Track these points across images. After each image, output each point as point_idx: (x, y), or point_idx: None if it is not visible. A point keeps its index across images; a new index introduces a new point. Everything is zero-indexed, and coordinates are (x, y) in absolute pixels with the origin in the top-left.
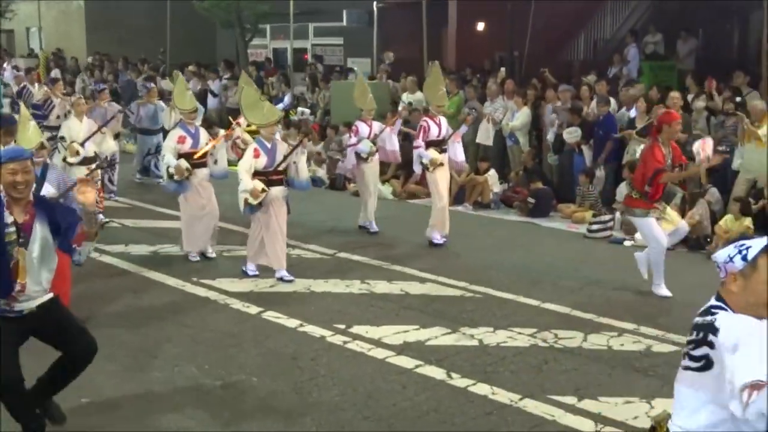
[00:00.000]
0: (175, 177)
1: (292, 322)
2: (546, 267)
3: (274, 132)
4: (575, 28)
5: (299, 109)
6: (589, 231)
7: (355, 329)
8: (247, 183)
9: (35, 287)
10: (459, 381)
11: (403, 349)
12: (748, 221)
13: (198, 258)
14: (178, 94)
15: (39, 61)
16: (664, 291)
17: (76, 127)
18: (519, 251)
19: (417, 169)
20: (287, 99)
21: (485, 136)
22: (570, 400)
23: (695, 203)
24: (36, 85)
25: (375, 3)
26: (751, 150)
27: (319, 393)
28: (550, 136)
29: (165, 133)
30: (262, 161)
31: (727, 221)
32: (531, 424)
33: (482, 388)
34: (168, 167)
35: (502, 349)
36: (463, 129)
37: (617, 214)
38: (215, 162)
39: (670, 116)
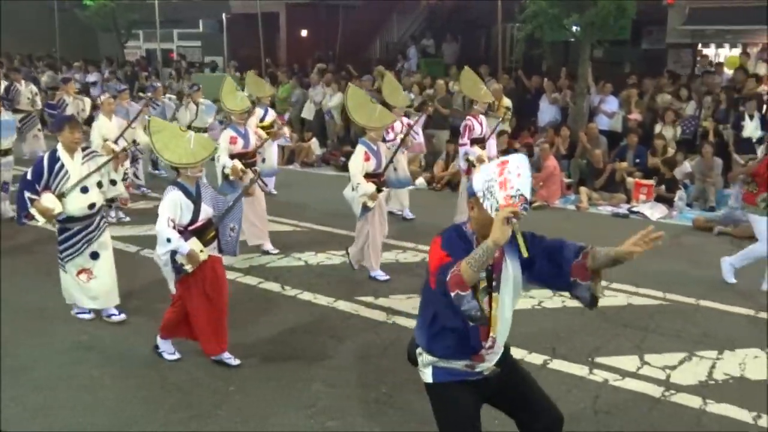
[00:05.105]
0: (231, 177)
1: None
2: None
3: (381, 135)
4: (372, 34)
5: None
6: None
7: None
8: (367, 187)
9: (502, 340)
10: (290, 291)
11: (249, 270)
12: None
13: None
14: (226, 95)
15: None
16: (730, 276)
17: (107, 126)
18: (334, 196)
19: (463, 165)
20: (152, 87)
21: (309, 112)
22: (369, 299)
23: (456, 157)
24: (23, 83)
25: (224, 14)
26: (491, 121)
27: None
28: None
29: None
30: (371, 164)
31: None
32: (342, 317)
33: (306, 296)
34: (224, 168)
35: (322, 267)
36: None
37: None
38: (263, 161)
39: None
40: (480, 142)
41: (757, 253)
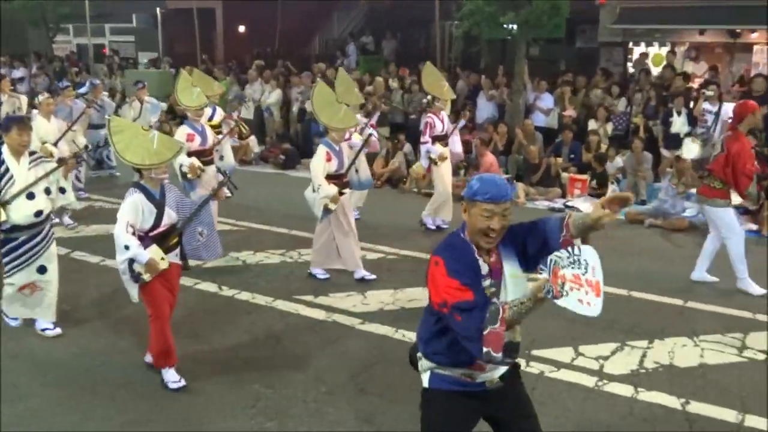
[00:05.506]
0: (189, 175)
1: None
2: (294, 204)
3: (344, 136)
4: (311, 31)
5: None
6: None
7: None
8: (328, 189)
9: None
10: (227, 291)
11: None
12: None
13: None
14: (182, 91)
15: None
16: (754, 288)
17: (45, 128)
18: (272, 194)
19: (424, 163)
20: (88, 84)
21: (247, 111)
22: (309, 298)
23: (396, 154)
24: None
25: (158, 9)
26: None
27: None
28: (294, 109)
29: None
30: (333, 165)
31: (417, 166)
32: (281, 317)
33: (245, 295)
34: (181, 166)
35: (260, 266)
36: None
37: None
38: (221, 158)
39: (751, 106)
40: (442, 139)
41: (738, 245)
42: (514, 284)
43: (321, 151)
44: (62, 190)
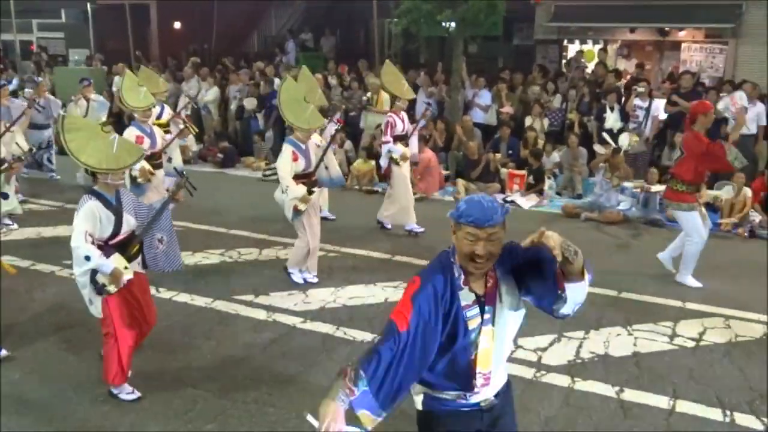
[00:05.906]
0: (139, 180)
1: None
2: (233, 203)
3: (310, 136)
4: (249, 27)
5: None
6: (264, 175)
7: None
8: (297, 190)
9: (500, 371)
10: (165, 293)
11: None
12: (372, 163)
13: None
14: (128, 90)
15: None
16: (692, 281)
17: None
18: (211, 193)
19: (384, 163)
20: (15, 81)
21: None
22: (249, 298)
23: (335, 152)
24: None
25: (89, 4)
26: (371, 116)
27: None
28: (232, 107)
29: None
30: (300, 164)
31: (358, 163)
32: (220, 318)
33: (183, 297)
34: (130, 170)
35: (198, 267)
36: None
37: None
38: (169, 160)
39: (705, 106)
40: (402, 139)
41: (696, 248)
42: (512, 311)
43: (287, 150)
44: (4, 196)
